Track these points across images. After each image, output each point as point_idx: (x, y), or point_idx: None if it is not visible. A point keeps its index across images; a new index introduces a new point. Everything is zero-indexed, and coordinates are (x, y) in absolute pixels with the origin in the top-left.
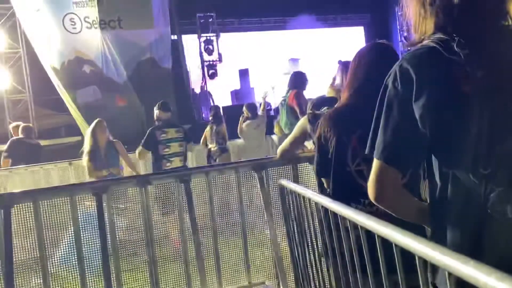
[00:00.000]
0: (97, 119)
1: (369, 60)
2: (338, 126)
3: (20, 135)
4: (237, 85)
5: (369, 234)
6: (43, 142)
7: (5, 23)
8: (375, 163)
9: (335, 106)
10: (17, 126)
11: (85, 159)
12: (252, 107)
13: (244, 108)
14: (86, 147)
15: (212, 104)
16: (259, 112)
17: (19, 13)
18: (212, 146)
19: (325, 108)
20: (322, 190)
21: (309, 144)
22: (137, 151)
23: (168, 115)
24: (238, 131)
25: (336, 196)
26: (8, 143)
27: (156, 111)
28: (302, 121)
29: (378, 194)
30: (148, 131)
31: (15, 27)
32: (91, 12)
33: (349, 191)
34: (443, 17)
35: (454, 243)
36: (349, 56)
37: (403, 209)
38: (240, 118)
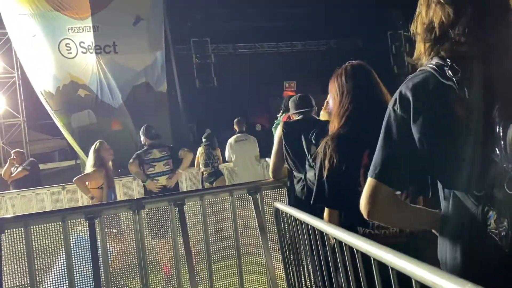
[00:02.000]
0: (98, 140)
1: (348, 86)
2: (346, 148)
3: (18, 162)
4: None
5: (367, 258)
6: None
7: (0, 48)
8: (369, 181)
9: (330, 134)
10: None
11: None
12: (241, 122)
13: (234, 123)
14: (90, 166)
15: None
16: None
17: (14, 39)
18: (208, 170)
19: (300, 117)
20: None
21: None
22: (128, 167)
23: (152, 142)
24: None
25: (346, 220)
26: (28, 160)
27: (142, 136)
28: (279, 132)
29: (371, 211)
30: (135, 153)
31: (10, 52)
32: (87, 37)
33: (358, 213)
34: (440, 43)
35: (454, 261)
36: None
37: (397, 221)
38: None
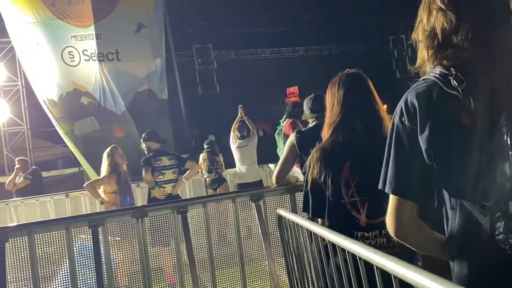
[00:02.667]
0: (112, 145)
1: (340, 95)
2: (328, 160)
3: (21, 170)
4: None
5: (369, 266)
6: None
7: (4, 57)
8: (391, 198)
9: (319, 145)
10: None
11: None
12: (241, 128)
13: (235, 127)
14: (104, 171)
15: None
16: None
17: (18, 47)
18: (211, 176)
19: (314, 122)
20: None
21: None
22: (143, 175)
23: (159, 147)
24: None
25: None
26: (30, 169)
27: (147, 143)
28: (292, 140)
29: (397, 228)
30: (143, 159)
31: (14, 60)
32: (90, 45)
33: (343, 224)
34: (443, 49)
35: (461, 270)
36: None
37: (421, 242)
38: (231, 133)
